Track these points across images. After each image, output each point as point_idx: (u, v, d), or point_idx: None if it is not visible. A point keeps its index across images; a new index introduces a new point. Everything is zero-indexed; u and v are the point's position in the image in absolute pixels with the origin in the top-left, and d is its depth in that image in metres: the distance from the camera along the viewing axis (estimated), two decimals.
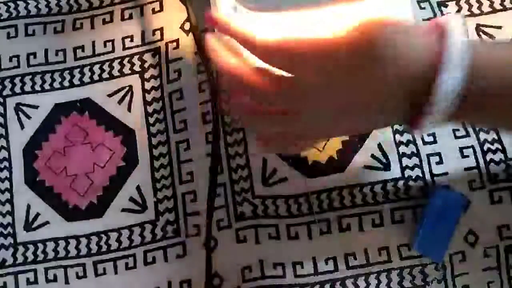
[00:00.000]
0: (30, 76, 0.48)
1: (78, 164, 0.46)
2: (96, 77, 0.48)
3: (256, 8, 0.35)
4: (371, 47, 0.29)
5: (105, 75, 0.48)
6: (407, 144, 0.44)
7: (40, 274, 0.44)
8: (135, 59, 0.48)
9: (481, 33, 0.45)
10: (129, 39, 0.48)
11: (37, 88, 0.48)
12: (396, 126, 0.44)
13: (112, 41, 0.48)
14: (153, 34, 0.48)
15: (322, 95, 0.31)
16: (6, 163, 0.46)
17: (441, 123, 0.31)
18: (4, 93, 0.48)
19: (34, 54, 0.48)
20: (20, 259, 0.44)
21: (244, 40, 0.33)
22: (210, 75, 0.44)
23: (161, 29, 0.48)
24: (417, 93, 0.29)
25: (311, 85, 0.31)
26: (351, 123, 0.33)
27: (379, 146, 0.44)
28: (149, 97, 0.47)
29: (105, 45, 0.48)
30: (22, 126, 0.47)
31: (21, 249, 0.45)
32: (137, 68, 0.47)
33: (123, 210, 0.45)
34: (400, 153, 0.44)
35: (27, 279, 0.44)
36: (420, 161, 0.44)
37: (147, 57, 0.48)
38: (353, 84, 0.30)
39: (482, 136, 0.44)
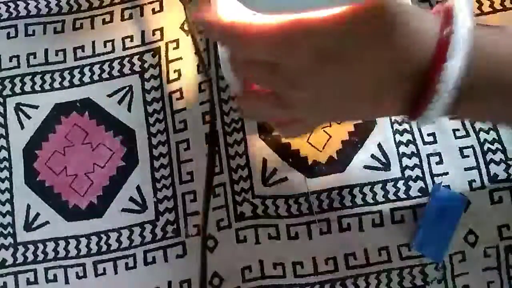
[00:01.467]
0: (30, 76, 0.48)
1: (78, 164, 0.46)
2: (96, 77, 0.48)
3: (259, 9, 0.34)
4: (382, 23, 0.27)
5: (105, 75, 0.48)
6: (407, 144, 0.44)
7: (40, 274, 0.44)
8: (135, 59, 0.48)
9: None
10: (129, 39, 0.48)
11: (37, 88, 0.48)
12: (396, 126, 0.44)
13: (112, 41, 0.48)
14: (153, 34, 0.48)
15: (319, 80, 0.29)
16: (6, 163, 0.46)
17: (440, 114, 0.29)
18: (4, 93, 0.48)
19: (34, 54, 0.48)
20: (20, 259, 0.44)
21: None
22: (208, 69, 0.44)
23: (161, 29, 0.48)
24: (421, 79, 0.28)
25: (305, 72, 0.29)
26: (350, 110, 0.31)
27: (379, 146, 0.44)
28: (149, 97, 0.47)
29: (105, 45, 0.48)
30: (22, 126, 0.47)
31: (21, 249, 0.45)
32: (137, 68, 0.48)
33: (123, 210, 0.45)
34: (400, 153, 0.44)
35: (27, 279, 0.44)
36: (420, 161, 0.44)
37: (147, 57, 0.48)
38: (355, 64, 0.28)
39: (482, 136, 0.44)
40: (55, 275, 0.44)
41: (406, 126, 0.44)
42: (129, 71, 0.47)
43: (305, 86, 0.30)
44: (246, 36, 0.29)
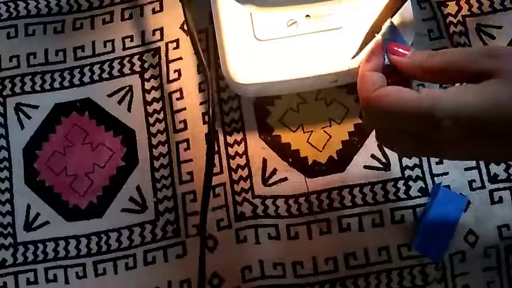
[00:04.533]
0: (30, 76, 0.48)
1: (78, 164, 0.46)
2: (96, 77, 0.48)
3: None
4: None
5: (105, 75, 0.48)
6: None
7: (40, 274, 0.44)
8: (135, 59, 0.48)
9: (481, 33, 0.45)
10: (129, 39, 0.48)
11: (37, 88, 0.48)
12: None
13: (112, 41, 0.48)
14: (153, 34, 0.48)
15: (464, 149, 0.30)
16: (6, 163, 0.46)
17: None
18: (4, 93, 0.48)
19: (34, 54, 0.48)
20: (20, 259, 0.44)
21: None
22: (206, 68, 0.44)
23: (161, 29, 0.48)
24: None
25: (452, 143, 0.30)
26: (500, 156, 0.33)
27: (379, 146, 0.44)
28: (149, 97, 0.47)
29: (105, 45, 0.48)
30: (22, 126, 0.47)
31: (21, 249, 0.45)
32: (137, 68, 0.47)
33: (123, 210, 0.45)
34: None
35: (27, 279, 0.44)
36: (420, 161, 0.44)
37: (147, 57, 0.48)
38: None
39: None
40: (55, 275, 0.44)
41: None
42: (129, 71, 0.47)
43: (451, 154, 0.31)
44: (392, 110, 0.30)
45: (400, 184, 0.43)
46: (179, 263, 0.44)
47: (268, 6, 0.39)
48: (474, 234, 0.42)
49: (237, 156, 0.45)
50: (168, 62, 0.47)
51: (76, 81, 0.48)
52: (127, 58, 0.48)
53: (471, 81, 0.29)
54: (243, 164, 0.45)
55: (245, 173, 0.44)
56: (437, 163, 0.44)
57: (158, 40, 0.48)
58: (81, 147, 0.46)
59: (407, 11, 0.38)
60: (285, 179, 0.44)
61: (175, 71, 0.47)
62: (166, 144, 0.46)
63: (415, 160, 0.44)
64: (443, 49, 0.32)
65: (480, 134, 0.28)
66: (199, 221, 0.40)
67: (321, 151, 0.44)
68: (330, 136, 0.45)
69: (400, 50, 0.33)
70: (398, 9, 0.35)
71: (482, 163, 0.43)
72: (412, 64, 0.32)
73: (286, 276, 0.42)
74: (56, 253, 0.44)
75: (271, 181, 0.44)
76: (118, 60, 0.48)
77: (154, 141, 0.46)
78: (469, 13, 0.46)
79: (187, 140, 0.46)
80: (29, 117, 0.47)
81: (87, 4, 0.49)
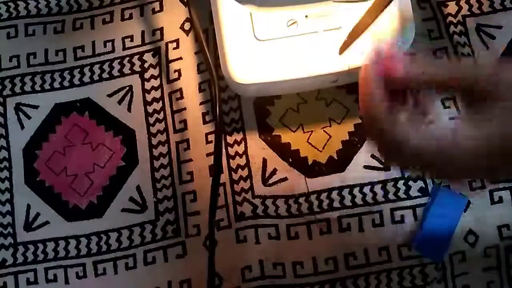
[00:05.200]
0: (30, 76, 0.48)
1: (78, 164, 0.46)
2: (96, 77, 0.48)
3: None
4: None
5: (105, 75, 0.48)
6: None
7: (40, 274, 0.44)
8: (135, 59, 0.48)
9: (481, 33, 0.45)
10: (129, 39, 0.48)
11: (37, 88, 0.48)
12: None
13: (112, 41, 0.48)
14: (153, 34, 0.48)
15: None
16: (6, 163, 0.46)
17: None
18: (4, 93, 0.48)
19: (34, 54, 0.48)
20: (20, 259, 0.45)
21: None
22: (211, 71, 0.44)
23: (161, 29, 0.48)
24: None
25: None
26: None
27: None
28: (149, 97, 0.47)
29: (105, 45, 0.48)
30: (22, 126, 0.47)
31: (21, 249, 0.45)
32: (137, 68, 0.47)
33: (123, 210, 0.45)
34: None
35: (27, 279, 0.44)
36: None
37: (147, 57, 0.48)
38: None
39: None
40: (55, 275, 0.44)
41: None
42: (129, 71, 0.47)
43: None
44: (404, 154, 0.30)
45: (400, 184, 0.43)
46: (179, 263, 0.44)
47: (268, 6, 0.39)
48: (474, 234, 0.42)
49: (237, 156, 0.45)
50: (168, 62, 0.47)
51: (76, 81, 0.48)
52: (127, 58, 0.48)
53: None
54: (243, 164, 0.45)
55: (245, 173, 0.44)
56: None
57: (158, 40, 0.48)
58: (81, 147, 0.46)
59: (407, 11, 0.38)
60: (285, 179, 0.44)
61: (175, 71, 0.47)
62: (166, 144, 0.46)
63: None
64: (442, 61, 0.31)
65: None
66: (208, 218, 0.40)
67: (321, 151, 0.44)
68: (330, 136, 0.45)
69: (393, 68, 0.31)
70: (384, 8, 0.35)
71: None
72: (408, 80, 0.32)
73: (286, 276, 0.42)
74: (56, 253, 0.44)
75: (271, 181, 0.44)
76: (118, 60, 0.48)
77: (154, 141, 0.46)
78: (469, 13, 0.46)
79: (187, 140, 0.46)
80: (29, 117, 0.47)
81: (87, 4, 0.49)
